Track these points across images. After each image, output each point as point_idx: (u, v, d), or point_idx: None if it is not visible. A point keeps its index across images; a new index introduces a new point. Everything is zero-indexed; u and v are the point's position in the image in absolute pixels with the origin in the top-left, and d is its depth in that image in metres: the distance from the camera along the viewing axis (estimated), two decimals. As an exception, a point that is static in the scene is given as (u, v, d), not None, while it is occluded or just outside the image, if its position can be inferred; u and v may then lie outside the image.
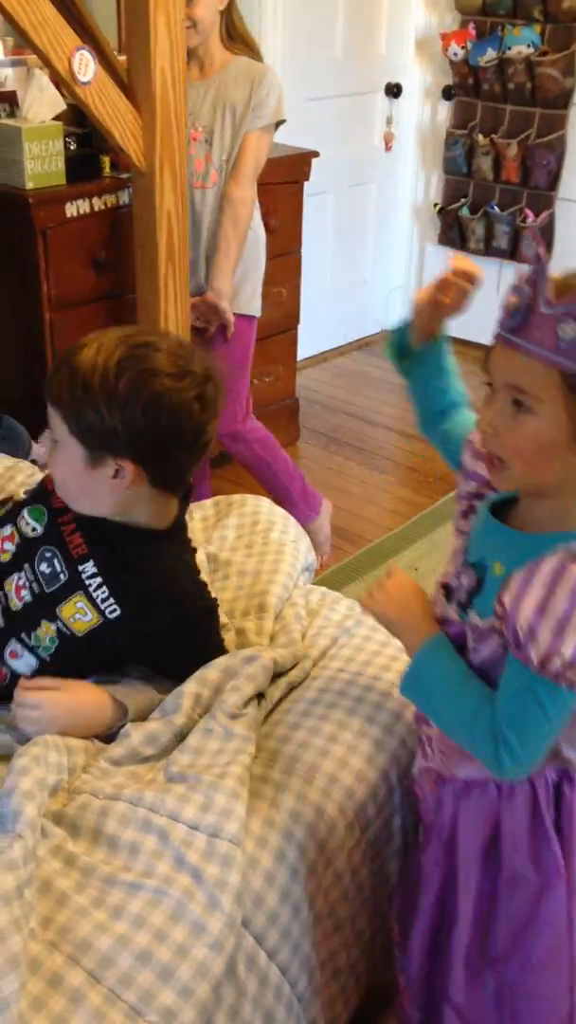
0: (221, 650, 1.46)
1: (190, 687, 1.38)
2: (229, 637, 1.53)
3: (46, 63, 1.67)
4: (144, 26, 1.73)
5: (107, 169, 2.54)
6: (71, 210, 2.47)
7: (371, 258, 4.23)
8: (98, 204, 2.55)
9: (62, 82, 1.70)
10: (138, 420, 1.27)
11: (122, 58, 1.88)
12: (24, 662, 1.41)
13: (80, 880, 1.15)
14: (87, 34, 1.74)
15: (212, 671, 1.40)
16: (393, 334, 1.31)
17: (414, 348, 1.28)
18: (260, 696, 1.39)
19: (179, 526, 1.47)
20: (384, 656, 1.54)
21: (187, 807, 1.21)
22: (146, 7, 1.71)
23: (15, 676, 1.40)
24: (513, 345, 1.00)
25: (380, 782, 1.36)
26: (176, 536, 1.47)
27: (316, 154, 3.18)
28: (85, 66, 1.67)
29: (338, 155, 3.68)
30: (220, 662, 1.42)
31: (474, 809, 1.18)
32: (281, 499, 2.52)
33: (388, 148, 4.10)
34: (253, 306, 2.51)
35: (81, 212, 2.50)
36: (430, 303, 1.23)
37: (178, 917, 1.12)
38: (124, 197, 2.56)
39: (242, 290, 2.44)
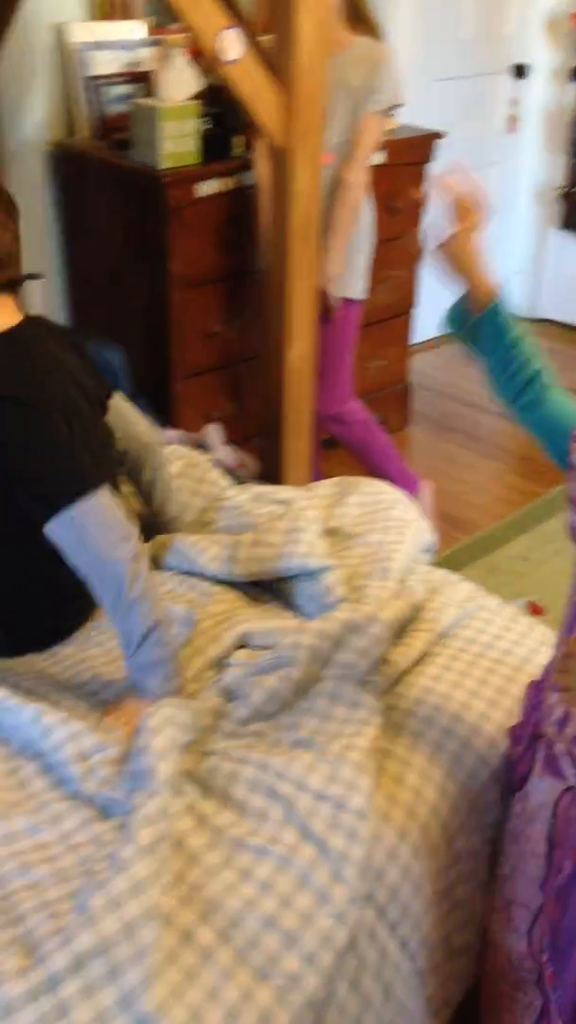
0: (66, 461, 1.33)
1: (308, 639, 1.41)
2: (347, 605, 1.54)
3: (197, 41, 1.69)
4: (290, 5, 1.73)
5: (237, 149, 2.56)
6: (201, 190, 2.51)
7: (491, 241, 4.15)
8: (228, 184, 2.57)
9: (209, 60, 1.71)
10: None
11: (265, 37, 1.89)
12: None
13: (210, 840, 1.18)
14: (234, 13, 1.75)
15: (331, 624, 1.42)
16: (451, 307, 1.26)
17: (475, 317, 1.23)
18: (385, 661, 1.41)
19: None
20: (506, 640, 1.54)
21: (313, 776, 1.23)
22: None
23: None
24: None
25: (502, 766, 1.36)
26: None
27: (440, 135, 3.14)
28: (232, 45, 1.69)
29: (461, 137, 3.62)
30: (339, 615, 1.44)
31: None
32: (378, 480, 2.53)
33: (512, 130, 4.02)
34: (356, 289, 2.50)
35: (211, 192, 2.53)
36: (452, 239, 1.21)
37: (303, 885, 1.14)
38: (252, 177, 2.58)
39: (345, 273, 2.45)
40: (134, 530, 1.35)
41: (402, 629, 1.50)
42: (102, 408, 1.54)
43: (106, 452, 1.52)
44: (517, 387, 1.22)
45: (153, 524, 1.73)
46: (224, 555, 1.63)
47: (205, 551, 1.64)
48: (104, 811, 1.22)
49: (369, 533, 1.74)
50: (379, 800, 1.25)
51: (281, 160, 1.88)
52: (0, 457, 1.33)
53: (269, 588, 1.65)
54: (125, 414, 1.63)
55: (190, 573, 1.66)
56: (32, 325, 1.45)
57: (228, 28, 1.69)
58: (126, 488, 1.71)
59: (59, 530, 1.31)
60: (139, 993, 1.00)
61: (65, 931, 1.03)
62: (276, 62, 1.80)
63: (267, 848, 1.17)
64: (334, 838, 1.17)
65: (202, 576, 1.65)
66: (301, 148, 1.86)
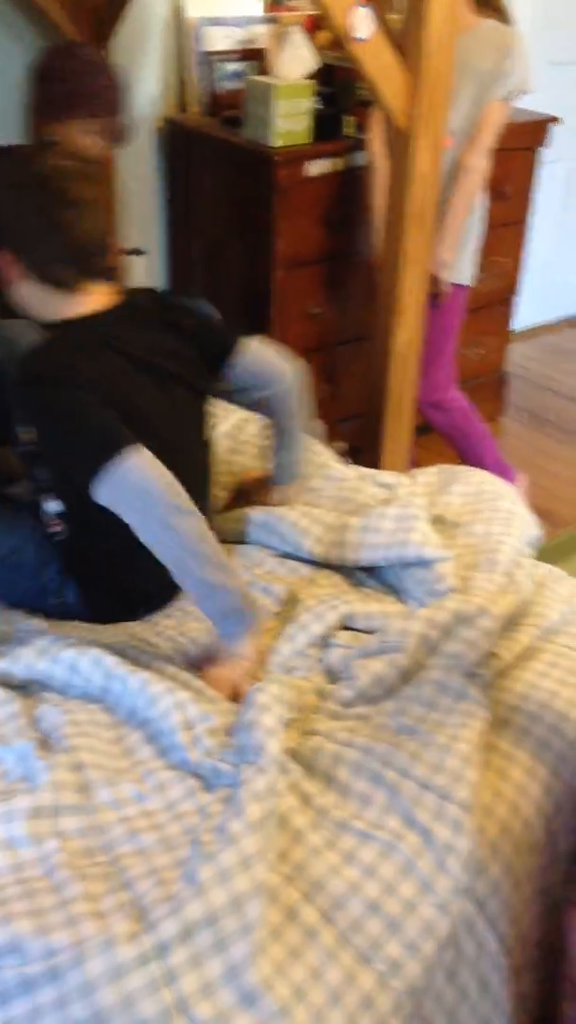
0: (86, 423, 1.39)
1: (417, 626, 1.40)
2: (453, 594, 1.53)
3: (327, 17, 1.67)
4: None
5: (348, 129, 2.54)
6: (311, 169, 2.49)
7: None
8: (337, 165, 2.56)
9: (338, 37, 1.70)
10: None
11: (391, 16, 1.87)
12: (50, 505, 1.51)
13: (314, 819, 1.19)
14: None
15: (442, 613, 1.42)
16: None
17: None
18: (493, 655, 1.39)
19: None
20: (615, 642, 1.51)
21: (418, 765, 1.22)
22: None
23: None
24: None
25: (607, 769, 1.34)
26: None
27: (556, 119, 3.07)
28: (363, 23, 1.67)
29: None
30: (450, 605, 1.43)
31: None
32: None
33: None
34: (465, 275, 2.46)
35: (320, 172, 2.52)
36: None
37: (407, 873, 1.14)
38: (362, 159, 2.56)
39: (457, 259, 2.41)
40: (178, 490, 1.37)
41: (511, 624, 1.48)
42: (193, 387, 1.56)
43: (176, 430, 1.52)
44: None
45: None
46: (329, 539, 1.62)
47: (308, 533, 1.64)
48: (208, 781, 1.23)
49: (473, 523, 1.72)
50: (484, 794, 1.24)
51: (403, 142, 1.85)
52: (40, 436, 1.43)
53: (372, 571, 1.65)
54: (263, 356, 1.65)
55: (289, 555, 1.67)
56: (122, 307, 1.49)
57: (360, 6, 1.67)
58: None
59: (101, 495, 1.36)
60: (245, 967, 1.02)
61: (174, 900, 1.05)
62: (404, 42, 1.77)
63: (371, 833, 1.17)
64: (439, 828, 1.16)
65: (303, 559, 1.65)
66: (424, 130, 1.83)
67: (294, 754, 1.28)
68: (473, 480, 1.85)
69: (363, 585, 1.63)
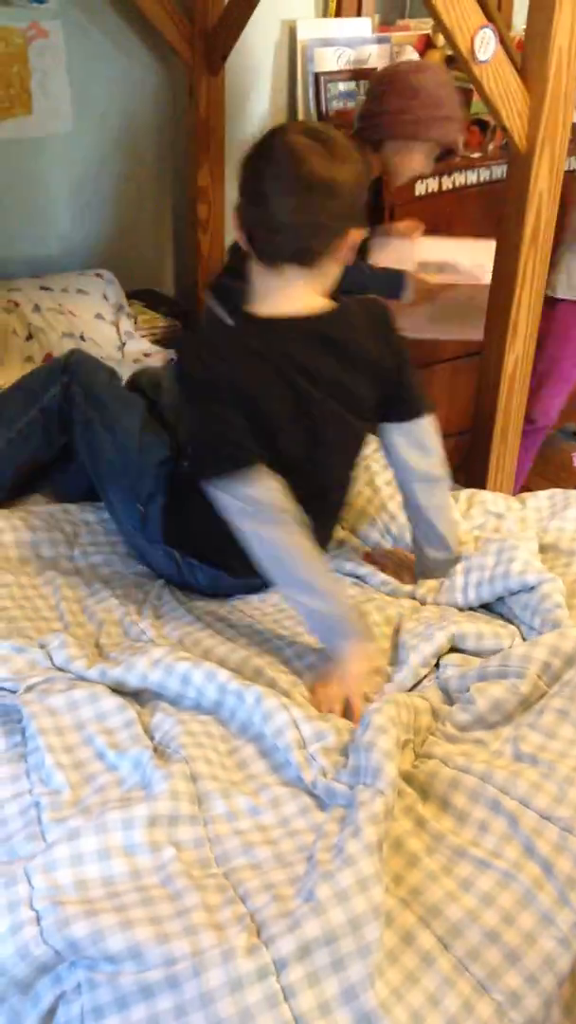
0: (207, 431, 1.45)
1: (539, 653, 1.38)
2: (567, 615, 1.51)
3: (450, 40, 1.67)
4: (548, 7, 1.69)
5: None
6: (420, 188, 2.50)
7: None
8: (446, 183, 2.56)
9: (461, 59, 1.70)
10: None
11: (511, 35, 1.86)
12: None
13: (430, 844, 1.18)
14: (487, 13, 1.73)
15: (566, 642, 1.39)
16: None
17: None
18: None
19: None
20: None
21: (539, 795, 1.20)
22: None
23: None
24: None
25: None
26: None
27: None
28: (487, 44, 1.67)
29: None
30: (574, 634, 1.40)
31: None
32: None
33: None
34: None
35: (429, 191, 2.52)
36: None
37: (526, 904, 1.11)
38: (472, 177, 2.55)
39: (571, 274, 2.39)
40: (282, 503, 1.41)
41: None
42: (356, 410, 1.55)
43: (316, 448, 1.53)
44: None
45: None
46: (432, 584, 1.65)
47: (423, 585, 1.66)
48: (322, 800, 1.23)
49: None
50: (605, 827, 1.21)
51: (522, 163, 1.84)
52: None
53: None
54: (421, 439, 1.62)
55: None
56: (332, 316, 1.48)
57: (483, 27, 1.66)
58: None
59: (208, 491, 1.44)
60: (362, 988, 1.01)
61: (292, 916, 1.04)
62: (526, 63, 1.77)
63: (489, 861, 1.15)
64: (561, 861, 1.14)
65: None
66: (545, 151, 1.82)
67: (409, 777, 1.27)
68: (589, 504, 1.82)
69: (471, 611, 1.62)
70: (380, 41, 2.71)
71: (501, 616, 1.60)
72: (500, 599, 1.60)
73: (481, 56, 1.68)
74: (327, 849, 1.13)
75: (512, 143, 1.83)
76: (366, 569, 1.70)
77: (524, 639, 1.53)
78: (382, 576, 1.68)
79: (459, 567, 1.63)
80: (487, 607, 1.63)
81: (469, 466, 2.27)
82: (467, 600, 1.60)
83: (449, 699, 1.42)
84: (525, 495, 1.90)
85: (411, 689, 1.44)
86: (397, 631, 1.55)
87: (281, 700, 1.31)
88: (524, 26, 1.76)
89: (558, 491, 1.88)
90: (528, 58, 1.76)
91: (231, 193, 2.73)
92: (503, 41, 1.75)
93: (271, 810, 1.22)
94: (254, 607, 1.63)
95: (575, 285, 2.43)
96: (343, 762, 1.26)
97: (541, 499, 1.87)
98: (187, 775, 1.23)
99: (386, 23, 2.81)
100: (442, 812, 1.23)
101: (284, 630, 1.55)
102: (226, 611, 1.61)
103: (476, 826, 1.20)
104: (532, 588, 1.56)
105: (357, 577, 1.70)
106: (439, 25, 1.66)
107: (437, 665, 1.49)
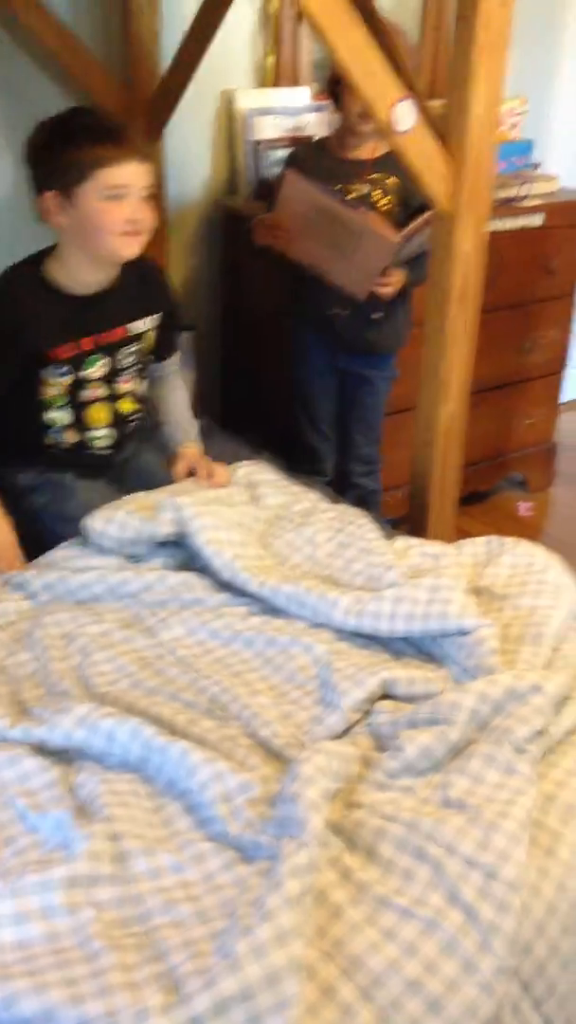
0: None
1: (468, 700, 1.39)
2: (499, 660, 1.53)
3: (370, 112, 1.74)
4: (466, 74, 1.77)
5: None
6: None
7: None
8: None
9: (381, 129, 1.77)
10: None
11: (433, 102, 1.94)
12: None
13: (354, 895, 1.17)
14: (407, 83, 1.80)
15: (494, 688, 1.41)
16: None
17: None
18: (541, 732, 1.38)
19: None
20: None
21: (464, 841, 1.21)
22: (469, 55, 1.75)
23: None
24: None
25: None
26: None
27: (602, 199, 3.12)
28: (406, 115, 1.74)
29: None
30: (503, 680, 1.42)
31: None
32: None
33: None
34: None
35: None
36: None
37: (450, 952, 1.11)
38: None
39: None
40: None
41: (563, 701, 1.46)
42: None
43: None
44: None
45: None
46: (359, 609, 1.63)
47: (338, 604, 1.65)
48: (246, 854, 1.23)
49: (521, 596, 1.71)
50: (530, 873, 1.21)
51: (446, 225, 1.91)
52: None
53: (407, 639, 1.65)
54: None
55: (321, 625, 1.68)
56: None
57: (402, 100, 1.74)
58: None
59: None
60: (281, 1045, 1.00)
61: (209, 973, 1.04)
62: (446, 130, 1.84)
63: (413, 910, 1.15)
64: (484, 907, 1.14)
65: (334, 629, 1.67)
66: (468, 214, 1.89)
67: (337, 827, 1.27)
68: (522, 552, 1.85)
69: (401, 653, 1.63)
70: (317, 109, 2.80)
71: (429, 654, 1.61)
72: (430, 637, 1.61)
73: (401, 127, 1.75)
74: (248, 904, 1.12)
75: (437, 206, 1.90)
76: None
77: (455, 681, 1.54)
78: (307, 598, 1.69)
79: (387, 593, 1.64)
80: (414, 643, 1.64)
81: (411, 518, 2.31)
82: (393, 629, 1.60)
83: (380, 745, 1.43)
84: (463, 541, 1.93)
85: (343, 734, 1.45)
86: (326, 668, 1.56)
87: (206, 754, 1.31)
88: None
89: (494, 537, 1.91)
90: (448, 125, 1.83)
91: (175, 256, 2.79)
92: (424, 111, 1.82)
93: (195, 866, 1.21)
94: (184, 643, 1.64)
95: None
96: (269, 814, 1.26)
97: (478, 545, 1.90)
98: (109, 835, 1.22)
99: (323, 93, 2.90)
100: (368, 862, 1.23)
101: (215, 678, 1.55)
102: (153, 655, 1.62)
103: (401, 875, 1.20)
104: (467, 632, 1.58)
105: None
106: (360, 97, 1.72)
107: (368, 711, 1.50)
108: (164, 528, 1.81)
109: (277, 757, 1.39)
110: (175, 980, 1.05)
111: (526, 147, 3.04)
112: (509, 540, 1.88)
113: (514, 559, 1.81)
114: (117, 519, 1.81)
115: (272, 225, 2.24)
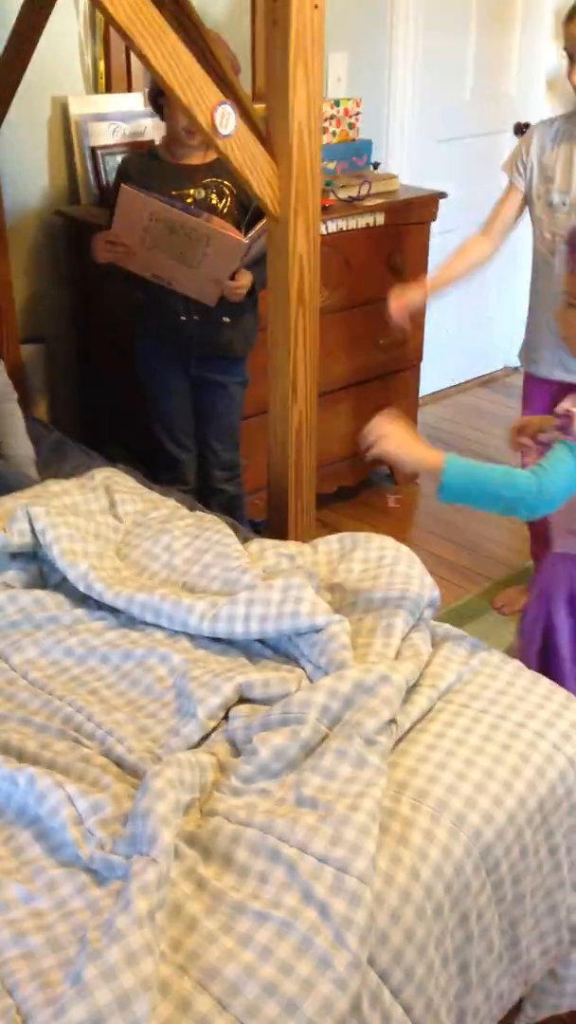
0: None
1: (318, 697, 1.41)
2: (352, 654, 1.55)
3: (190, 118, 1.74)
4: (283, 79, 1.79)
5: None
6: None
7: (495, 295, 4.21)
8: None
9: (203, 134, 1.77)
10: None
11: (258, 106, 1.96)
12: None
13: (210, 905, 1.17)
14: (228, 88, 1.81)
15: (343, 683, 1.43)
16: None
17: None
18: (392, 721, 1.40)
19: None
20: (510, 695, 1.53)
21: (316, 839, 1.22)
22: (285, 60, 1.77)
23: None
24: None
25: (507, 824, 1.35)
26: None
27: (444, 195, 3.21)
28: (227, 120, 1.75)
29: (467, 194, 3.70)
30: (351, 674, 1.44)
31: (560, 572, 1.76)
32: None
33: (514, 187, 4.08)
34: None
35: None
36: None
37: (304, 951, 1.12)
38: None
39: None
40: None
41: (411, 690, 1.49)
42: None
43: None
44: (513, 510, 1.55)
45: None
46: (214, 613, 1.63)
47: (193, 610, 1.65)
48: (100, 875, 1.21)
49: (373, 590, 1.74)
50: (383, 861, 1.24)
51: (278, 228, 1.92)
52: None
53: (264, 641, 1.66)
54: None
55: (179, 633, 1.68)
56: None
57: (222, 104, 1.74)
58: None
59: None
60: (135, 1066, 0.99)
61: (58, 1003, 1.02)
62: (270, 135, 1.86)
63: (268, 913, 1.15)
64: (337, 902, 1.15)
65: (192, 636, 1.67)
66: (298, 216, 1.91)
67: (192, 838, 1.26)
68: (373, 546, 1.88)
69: (259, 656, 1.64)
70: (153, 114, 2.79)
71: (286, 654, 1.63)
72: (286, 637, 1.62)
73: (223, 131, 1.76)
74: (99, 927, 1.11)
75: (267, 211, 1.91)
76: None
77: (310, 679, 1.56)
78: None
79: (241, 596, 1.65)
80: (271, 644, 1.65)
81: (271, 521, 2.32)
82: (247, 631, 1.61)
83: (236, 751, 1.44)
84: (318, 540, 1.95)
85: (199, 743, 1.45)
86: (183, 678, 1.55)
87: (55, 778, 1.29)
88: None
89: (347, 534, 1.94)
90: (271, 129, 1.85)
91: (17, 267, 2.73)
92: (246, 114, 1.83)
93: (47, 894, 1.19)
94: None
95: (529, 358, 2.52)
96: (122, 832, 1.24)
97: (331, 542, 1.92)
98: (-41, 870, 1.19)
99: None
100: (224, 869, 1.23)
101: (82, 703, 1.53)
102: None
103: (256, 878, 1.21)
104: (320, 629, 1.59)
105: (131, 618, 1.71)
106: (179, 106, 1.72)
107: (226, 716, 1.50)
108: (16, 539, 1.77)
109: (132, 773, 1.38)
110: (25, 1014, 1.03)
111: (365, 147, 3.10)
112: (362, 535, 1.91)
113: (366, 554, 1.84)
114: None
115: (112, 241, 2.22)
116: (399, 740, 1.43)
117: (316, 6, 1.80)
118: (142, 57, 1.63)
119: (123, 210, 2.17)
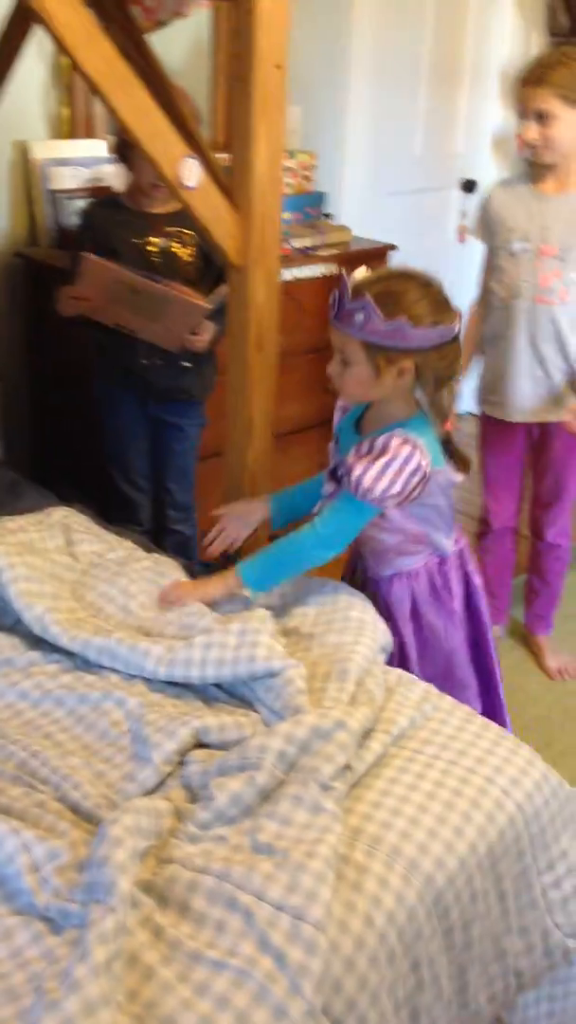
0: None
1: (275, 742, 1.43)
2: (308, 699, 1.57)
3: (156, 169, 1.78)
4: (246, 134, 1.84)
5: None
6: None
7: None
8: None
9: (168, 186, 1.81)
10: None
11: (219, 156, 2.00)
12: None
13: (167, 953, 1.17)
14: (193, 142, 1.85)
15: (300, 729, 1.44)
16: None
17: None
18: (347, 767, 1.42)
19: None
20: (461, 741, 1.56)
21: (273, 886, 1.23)
22: (248, 117, 1.82)
23: None
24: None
25: (458, 870, 1.37)
26: None
27: (393, 247, 3.30)
28: (191, 173, 1.78)
29: (415, 247, 3.80)
30: (308, 720, 1.45)
31: (399, 591, 1.90)
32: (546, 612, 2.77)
33: (462, 240, 4.21)
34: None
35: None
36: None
37: (261, 1000, 1.13)
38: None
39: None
40: None
41: (366, 735, 1.51)
42: None
43: None
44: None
45: None
46: (170, 658, 1.64)
47: (149, 654, 1.66)
48: (56, 923, 1.20)
49: (326, 634, 1.77)
50: (337, 908, 1.25)
51: (241, 278, 1.97)
52: None
53: (220, 686, 1.67)
54: None
55: (135, 677, 1.68)
56: None
57: (187, 157, 1.78)
58: None
59: None
60: None
61: (16, 1055, 1.01)
62: (233, 188, 1.90)
63: (225, 961, 1.16)
64: (293, 950, 1.16)
65: (148, 680, 1.67)
66: (258, 266, 1.95)
67: (149, 885, 1.26)
68: (327, 590, 1.91)
69: (214, 699, 1.65)
70: (114, 161, 2.83)
71: (240, 697, 1.64)
72: (241, 681, 1.64)
73: (187, 183, 1.80)
74: (55, 976, 1.10)
75: (228, 260, 1.95)
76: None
77: (266, 723, 1.57)
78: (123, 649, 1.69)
79: (197, 640, 1.66)
80: (227, 689, 1.66)
81: (224, 562, 2.33)
82: (203, 676, 1.62)
83: (192, 796, 1.44)
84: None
85: (156, 788, 1.45)
86: (138, 722, 1.56)
87: (11, 825, 1.28)
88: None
89: (301, 577, 1.97)
90: (234, 183, 1.89)
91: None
92: (210, 167, 1.88)
93: (2, 943, 1.18)
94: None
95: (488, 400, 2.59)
96: (78, 879, 1.24)
97: (286, 586, 1.95)
98: None
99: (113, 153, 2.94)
100: (181, 918, 1.23)
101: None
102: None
103: (214, 927, 1.21)
104: (276, 673, 1.61)
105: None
106: (145, 156, 1.76)
107: (182, 762, 1.50)
108: None
109: (88, 819, 1.38)
110: (-21, 1067, 1.02)
111: (318, 199, 3.17)
112: (316, 580, 1.94)
113: (321, 598, 1.87)
114: None
115: (77, 297, 2.25)
116: (353, 785, 1.45)
117: (278, 66, 1.86)
118: (112, 109, 1.66)
119: (86, 276, 2.21)
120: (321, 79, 3.36)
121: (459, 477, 1.83)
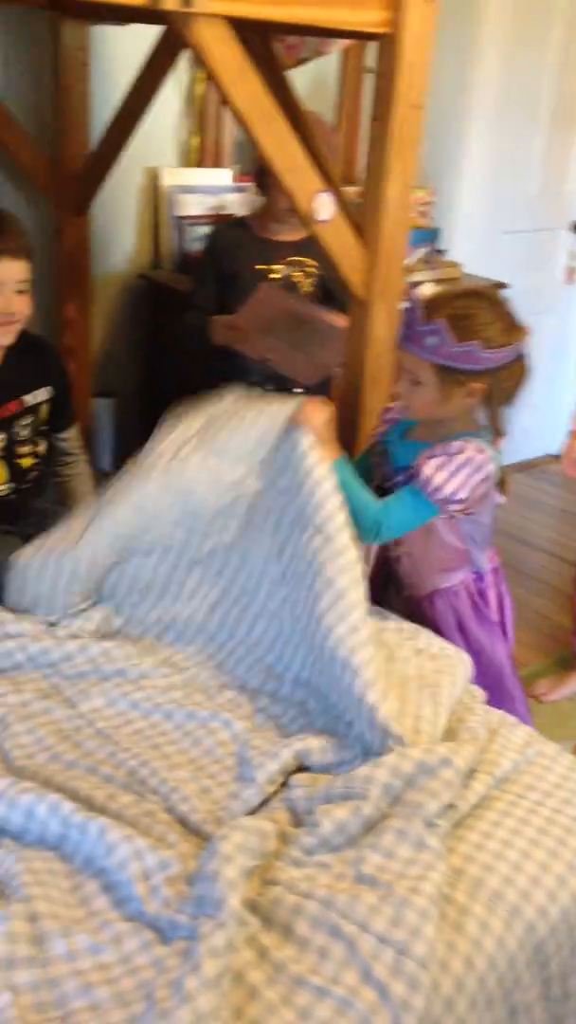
0: None
1: (381, 774, 1.43)
2: (407, 724, 1.57)
3: (292, 202, 1.83)
4: (381, 171, 1.88)
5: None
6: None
7: (543, 383, 4.28)
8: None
9: (302, 218, 1.85)
10: None
11: (348, 188, 2.04)
12: None
13: (271, 975, 1.19)
14: (326, 177, 1.90)
15: (406, 763, 1.45)
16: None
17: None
18: (451, 805, 1.42)
19: None
20: (566, 789, 1.54)
21: (377, 919, 1.23)
22: (384, 154, 1.86)
23: None
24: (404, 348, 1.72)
25: (560, 920, 1.36)
26: None
27: (504, 285, 3.30)
28: (325, 207, 1.83)
29: (523, 285, 3.80)
30: (414, 754, 1.46)
31: (442, 607, 1.94)
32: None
33: (570, 281, 4.19)
34: None
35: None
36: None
37: (363, 1030, 1.13)
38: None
39: None
40: None
41: (469, 775, 1.51)
42: None
43: None
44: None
45: None
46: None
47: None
48: (164, 933, 1.23)
49: (406, 664, 1.75)
50: (439, 947, 1.25)
51: (362, 310, 2.00)
52: None
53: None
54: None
55: (241, 702, 1.72)
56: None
57: (322, 192, 1.83)
58: None
59: None
60: None
61: (128, 1059, 1.04)
62: (362, 223, 1.94)
63: (328, 988, 1.17)
64: (396, 984, 1.17)
65: (254, 702, 1.71)
66: (381, 300, 1.98)
67: (254, 905, 1.28)
68: (406, 626, 1.90)
69: (312, 721, 1.67)
70: (238, 190, 2.91)
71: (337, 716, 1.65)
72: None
73: (320, 217, 1.84)
74: (166, 985, 1.12)
75: (354, 293, 1.99)
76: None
77: (352, 744, 1.57)
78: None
79: None
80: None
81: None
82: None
83: (297, 820, 1.45)
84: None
85: (259, 808, 1.47)
86: (244, 746, 1.58)
87: (125, 832, 1.32)
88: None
89: (376, 608, 1.96)
90: (364, 218, 1.93)
91: (97, 324, 2.83)
92: (342, 203, 1.92)
93: (112, 947, 1.21)
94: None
95: None
96: (187, 892, 1.26)
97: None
98: (27, 915, 1.21)
99: (245, 173, 3.02)
100: (285, 940, 1.24)
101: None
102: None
103: (317, 953, 1.22)
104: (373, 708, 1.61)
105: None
106: (283, 189, 1.81)
107: (285, 783, 1.52)
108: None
109: (195, 833, 1.40)
110: (92, 1068, 1.04)
111: (433, 234, 3.20)
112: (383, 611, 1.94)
113: (400, 623, 1.88)
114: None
115: (231, 326, 2.32)
116: (456, 825, 1.45)
117: (416, 107, 1.90)
118: (256, 141, 1.72)
119: (256, 304, 2.27)
120: (444, 117, 3.40)
121: (502, 498, 1.86)
